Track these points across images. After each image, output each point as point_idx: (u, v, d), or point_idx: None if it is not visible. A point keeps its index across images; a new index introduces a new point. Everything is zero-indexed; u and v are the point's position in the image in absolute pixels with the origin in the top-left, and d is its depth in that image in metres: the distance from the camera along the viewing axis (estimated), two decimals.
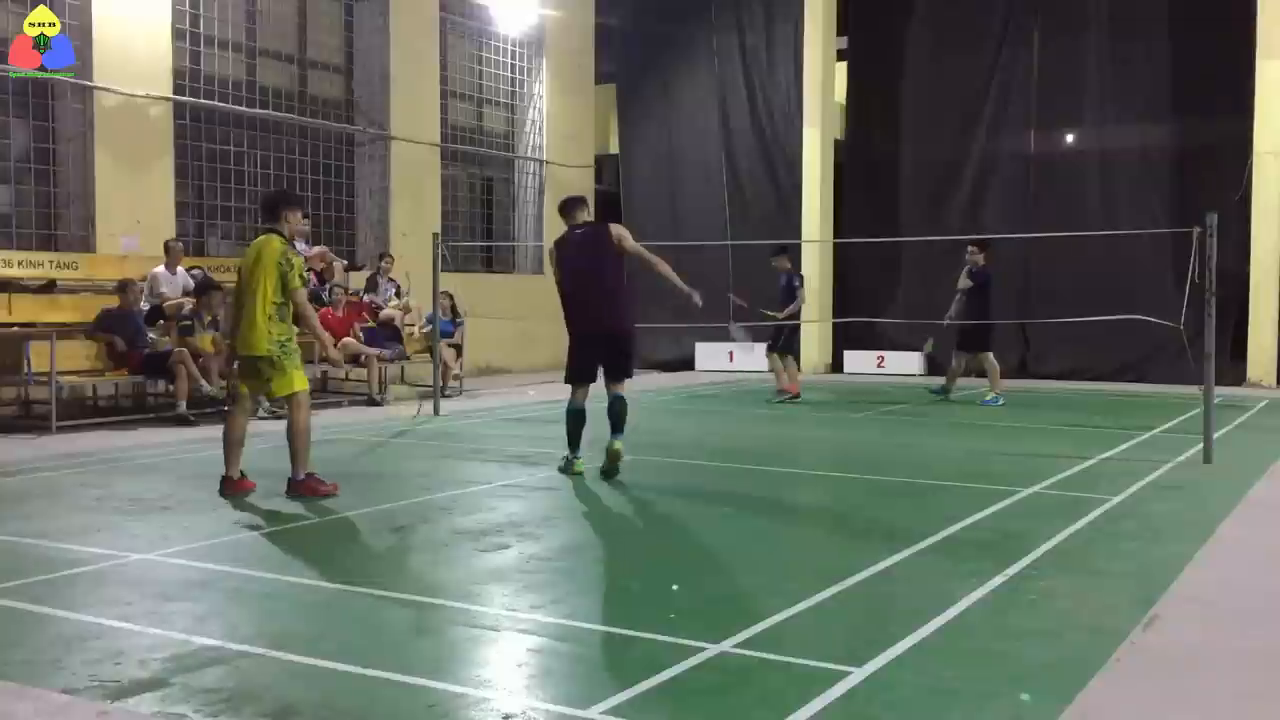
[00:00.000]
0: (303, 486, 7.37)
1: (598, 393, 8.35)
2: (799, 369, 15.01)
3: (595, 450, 8.30)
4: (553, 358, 19.46)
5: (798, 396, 14.13)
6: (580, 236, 8.22)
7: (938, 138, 19.00)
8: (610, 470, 8.17)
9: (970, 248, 14.18)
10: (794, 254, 19.14)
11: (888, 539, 6.21)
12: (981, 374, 14.23)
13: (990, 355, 14.11)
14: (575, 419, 8.31)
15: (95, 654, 4.25)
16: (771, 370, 14.63)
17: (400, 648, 4.39)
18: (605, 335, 8.15)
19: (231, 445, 7.49)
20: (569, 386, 8.34)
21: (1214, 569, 5.70)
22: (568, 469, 8.34)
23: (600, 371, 8.26)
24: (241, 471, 7.55)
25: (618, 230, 8.16)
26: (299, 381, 7.35)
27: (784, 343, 14.34)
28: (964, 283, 13.90)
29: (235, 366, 7.62)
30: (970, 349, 14.13)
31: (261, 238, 7.42)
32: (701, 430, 11.58)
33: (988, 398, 13.89)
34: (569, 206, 8.41)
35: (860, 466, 9.23)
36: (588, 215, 8.43)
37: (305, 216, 15.24)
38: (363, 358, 13.76)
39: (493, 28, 19.28)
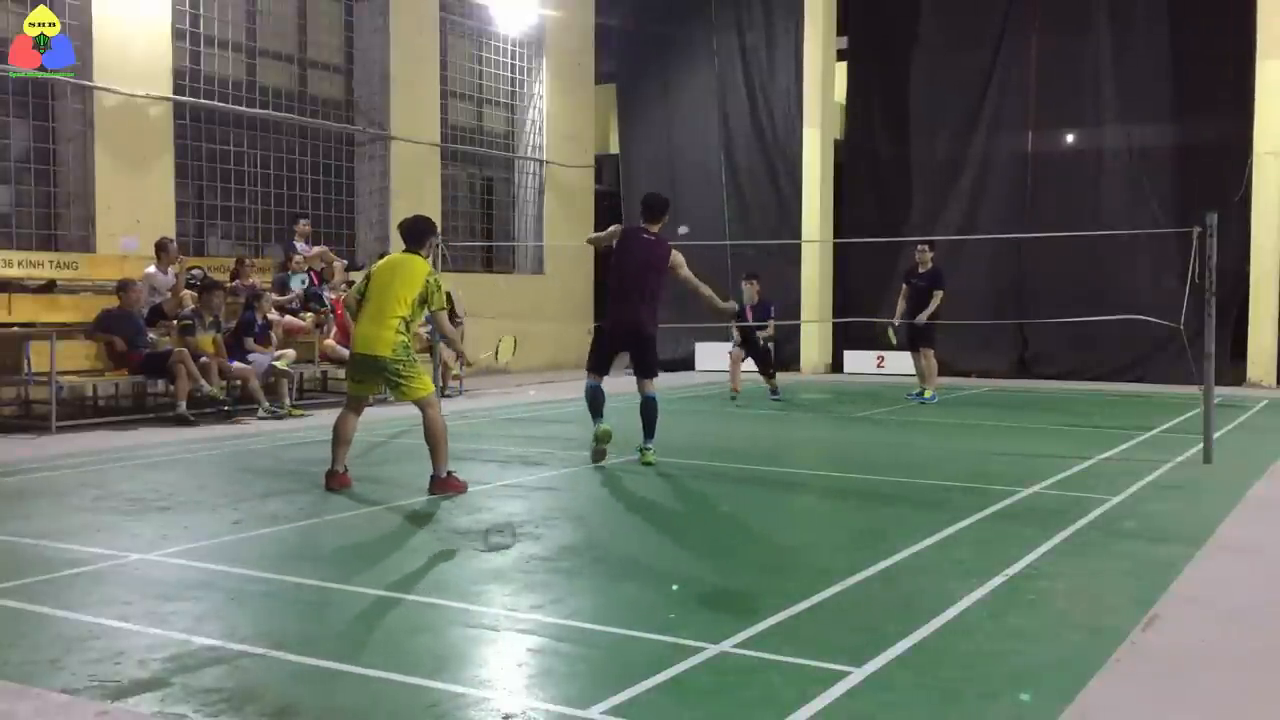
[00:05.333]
0: (444, 484, 7.65)
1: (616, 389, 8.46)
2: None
3: (619, 451, 8.39)
4: (552, 358, 19.50)
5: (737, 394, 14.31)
6: (645, 243, 8.90)
7: (937, 137, 19.02)
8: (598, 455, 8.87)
9: (920, 246, 14.44)
10: (793, 254, 19.22)
11: (887, 539, 6.22)
12: (985, 373, 14.24)
13: (932, 353, 14.27)
14: (594, 392, 8.92)
15: (95, 654, 4.25)
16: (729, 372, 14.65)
17: (400, 648, 4.38)
18: (631, 334, 8.89)
19: (340, 443, 7.79)
20: (587, 373, 9.05)
21: (1214, 569, 5.70)
22: (596, 434, 8.81)
23: (629, 368, 9.12)
24: (345, 467, 7.84)
25: (677, 258, 8.87)
26: (429, 385, 7.82)
27: (771, 361, 14.65)
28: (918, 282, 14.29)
29: (351, 373, 7.97)
30: (918, 345, 14.32)
31: (403, 255, 7.83)
32: (701, 430, 11.58)
33: (927, 394, 14.12)
34: (656, 209, 9.08)
35: (859, 467, 9.23)
36: (659, 228, 9.03)
37: (304, 217, 15.31)
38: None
39: (493, 28, 19.28)
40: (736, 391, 14.16)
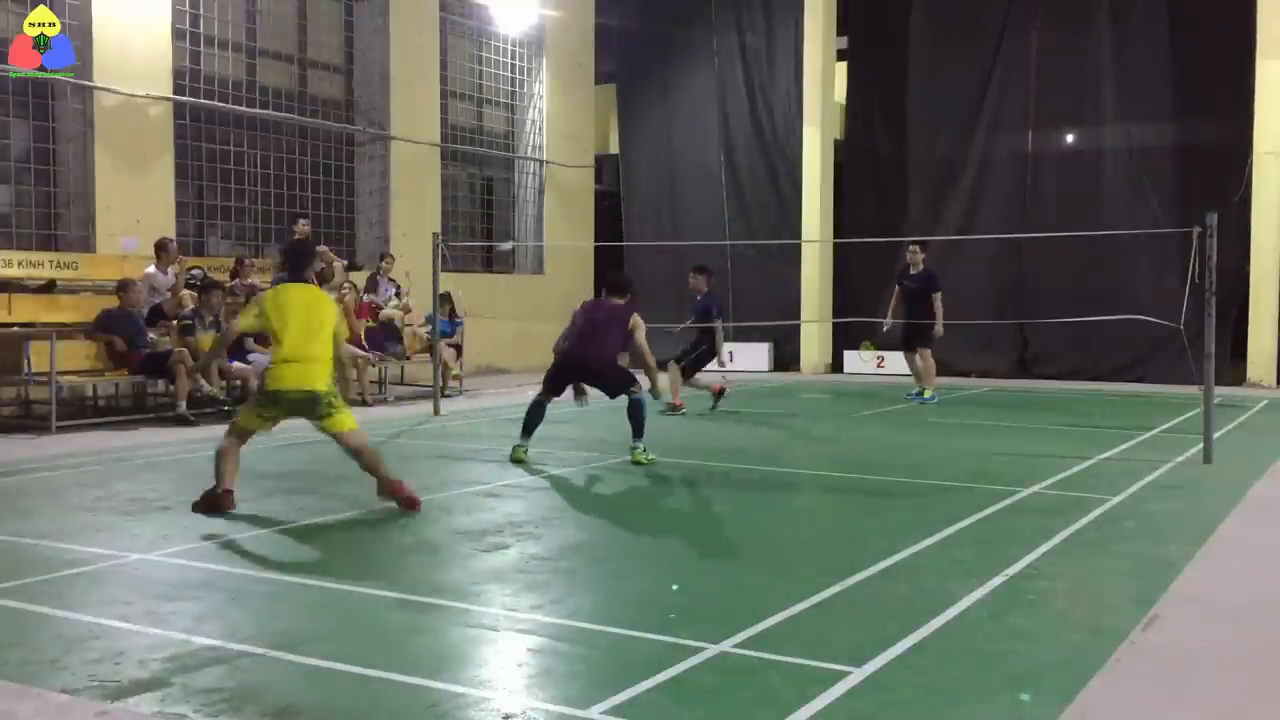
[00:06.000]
0: (398, 485, 7.11)
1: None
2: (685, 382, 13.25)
3: (618, 451, 8.42)
4: (551, 358, 19.46)
5: (680, 408, 12.73)
6: (609, 307, 9.39)
7: (937, 137, 19.01)
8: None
9: (911, 247, 14.40)
10: (793, 254, 19.22)
11: (888, 539, 6.21)
12: (985, 373, 14.13)
13: (929, 352, 14.27)
14: (535, 409, 9.27)
15: (95, 654, 4.25)
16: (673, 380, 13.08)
17: (400, 648, 4.38)
18: (585, 368, 9.19)
19: (230, 461, 7.15)
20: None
21: (1214, 569, 5.70)
22: (512, 454, 9.13)
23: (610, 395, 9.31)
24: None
25: (636, 320, 9.26)
26: (352, 419, 7.22)
27: (692, 361, 13.14)
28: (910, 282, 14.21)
29: (265, 408, 7.21)
30: (914, 345, 14.33)
31: (306, 288, 7.40)
32: (699, 430, 11.57)
33: (926, 394, 14.11)
34: (618, 288, 9.60)
35: (860, 467, 9.23)
36: (620, 299, 9.48)
37: (304, 217, 15.31)
38: (356, 360, 13.72)
39: (493, 28, 19.28)
40: (680, 406, 12.78)
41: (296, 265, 7.74)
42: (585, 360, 9.12)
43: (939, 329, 13.92)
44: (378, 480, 7.13)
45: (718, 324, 13.04)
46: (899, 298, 14.38)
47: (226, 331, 7.83)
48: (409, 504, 7.06)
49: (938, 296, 13.95)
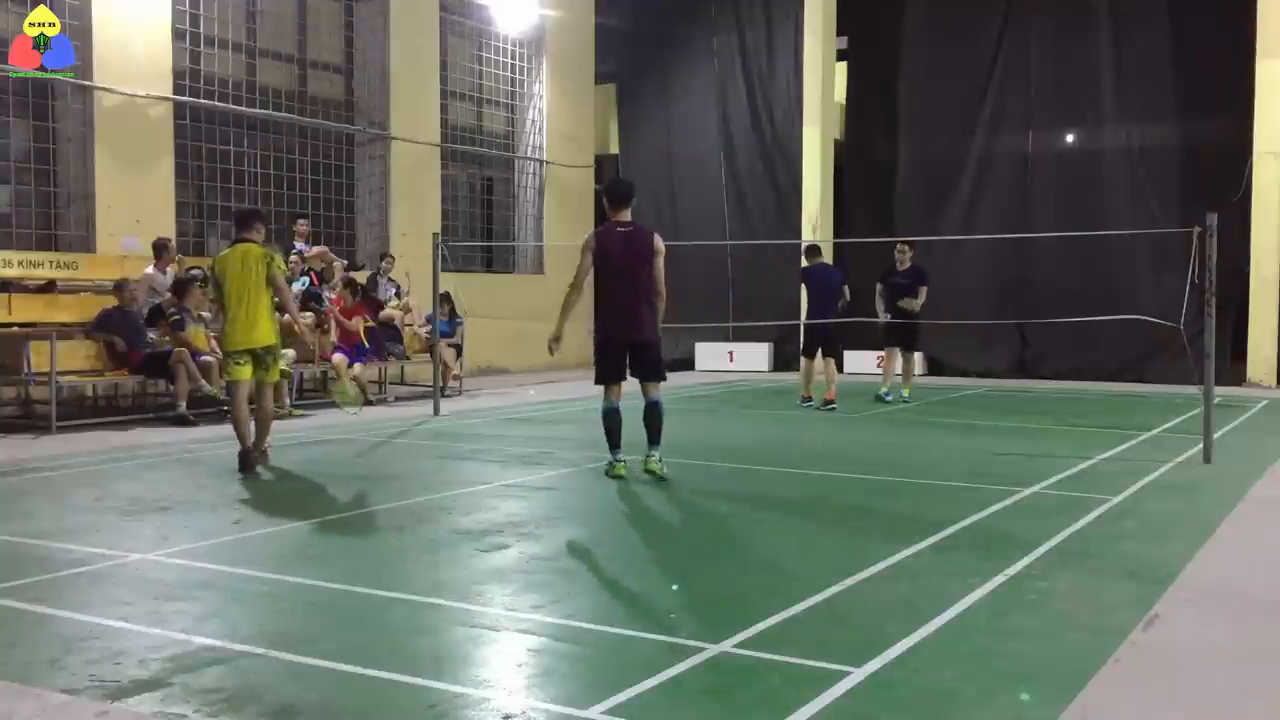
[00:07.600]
0: (266, 456, 8.66)
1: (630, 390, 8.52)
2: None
3: (629, 452, 8.42)
4: (551, 358, 19.46)
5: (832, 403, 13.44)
6: (622, 236, 8.20)
7: (937, 137, 19.03)
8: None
9: (900, 246, 14.37)
10: (793, 254, 19.18)
11: (888, 539, 6.21)
12: (984, 373, 14.15)
13: (898, 351, 14.34)
14: (611, 417, 8.31)
15: (95, 654, 4.25)
16: (823, 376, 13.67)
17: (400, 648, 4.38)
18: (631, 342, 8.26)
19: (246, 422, 8.54)
20: (601, 388, 8.41)
21: (1214, 569, 5.70)
22: (610, 471, 8.29)
23: (630, 372, 8.39)
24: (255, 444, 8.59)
25: (660, 243, 8.23)
26: (277, 374, 8.94)
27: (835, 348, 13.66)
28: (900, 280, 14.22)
29: (235, 359, 8.55)
30: (911, 346, 14.46)
31: (240, 247, 8.54)
32: (701, 430, 11.58)
33: (902, 392, 14.19)
34: (619, 197, 8.28)
35: (860, 466, 9.22)
36: (629, 215, 8.30)
37: (304, 217, 15.30)
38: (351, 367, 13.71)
39: (493, 28, 19.28)
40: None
41: (237, 228, 8.86)
42: (634, 339, 8.18)
43: (915, 304, 13.85)
44: (256, 434, 8.54)
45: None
46: (887, 296, 14.29)
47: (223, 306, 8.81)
48: (248, 466, 8.37)
49: (924, 290, 13.99)
